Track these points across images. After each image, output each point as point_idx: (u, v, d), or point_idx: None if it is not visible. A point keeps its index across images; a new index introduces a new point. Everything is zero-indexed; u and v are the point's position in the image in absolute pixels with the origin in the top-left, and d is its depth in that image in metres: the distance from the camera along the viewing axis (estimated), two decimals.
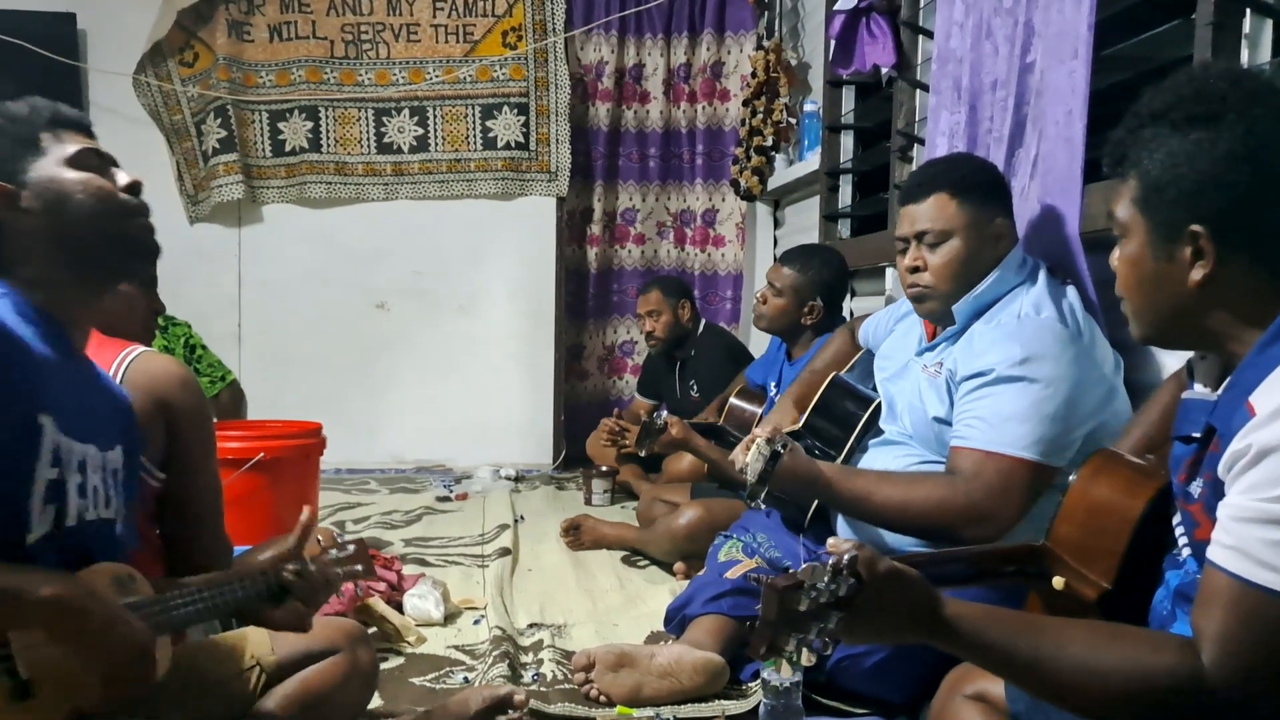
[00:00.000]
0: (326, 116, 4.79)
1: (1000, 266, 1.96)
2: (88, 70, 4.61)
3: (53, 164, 1.32)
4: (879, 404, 2.19)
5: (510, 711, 1.78)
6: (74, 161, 1.33)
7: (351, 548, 1.59)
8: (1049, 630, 1.07)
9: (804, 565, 1.03)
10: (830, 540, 1.11)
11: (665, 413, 2.93)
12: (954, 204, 1.96)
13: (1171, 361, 1.91)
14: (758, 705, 1.96)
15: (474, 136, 4.84)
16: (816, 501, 2.16)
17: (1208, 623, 0.99)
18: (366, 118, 4.81)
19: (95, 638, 1.13)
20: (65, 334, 1.33)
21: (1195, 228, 1.07)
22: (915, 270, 2.00)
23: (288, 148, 4.79)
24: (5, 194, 1.29)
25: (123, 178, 1.37)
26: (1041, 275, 1.97)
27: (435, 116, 4.83)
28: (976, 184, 1.98)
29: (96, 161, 1.36)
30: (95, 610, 1.14)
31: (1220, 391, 1.10)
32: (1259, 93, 1.07)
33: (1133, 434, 1.53)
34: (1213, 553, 1.01)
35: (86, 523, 1.29)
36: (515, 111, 4.82)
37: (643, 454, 3.02)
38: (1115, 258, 1.19)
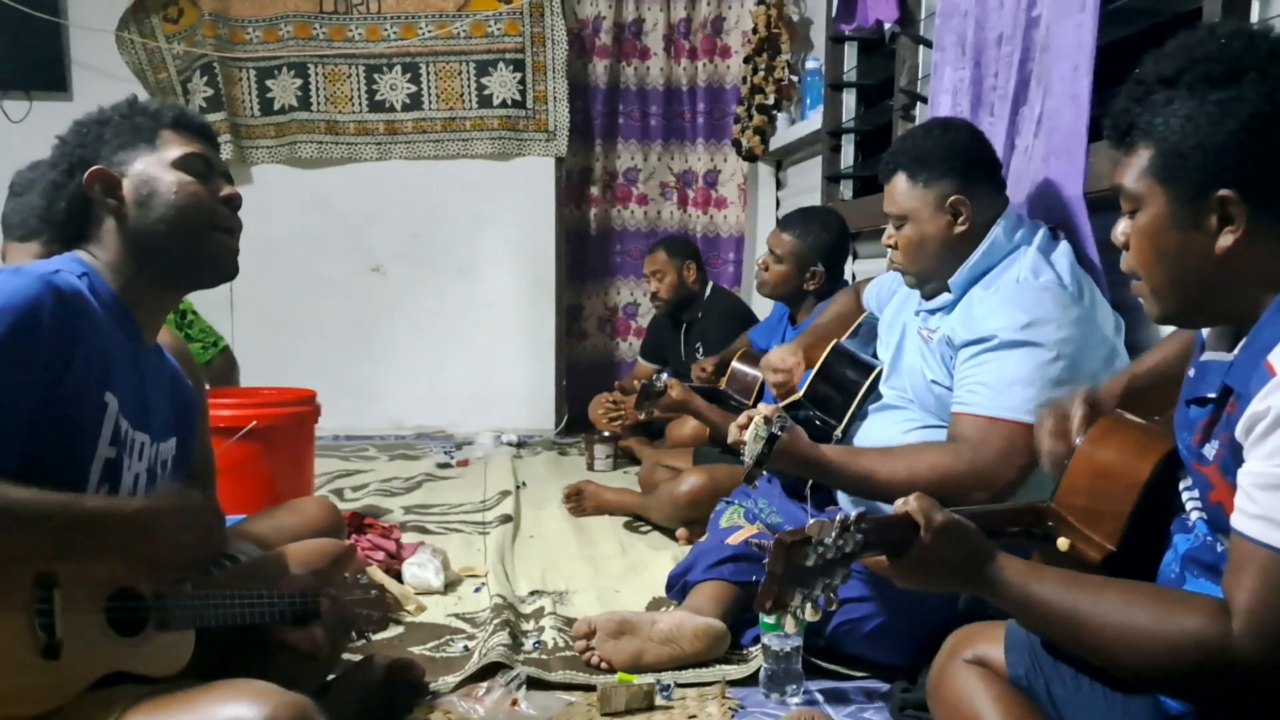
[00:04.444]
0: (316, 74, 4.72)
1: (992, 233, 1.94)
2: (69, 27, 4.53)
3: (157, 161, 1.38)
4: (880, 371, 2.17)
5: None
6: (179, 163, 1.39)
7: (375, 592, 1.61)
8: (1088, 587, 1.10)
9: (811, 521, 1.04)
10: (899, 500, 1.16)
11: (666, 375, 2.91)
12: (907, 185, 1.98)
13: None
14: (758, 670, 1.98)
15: (469, 94, 4.77)
16: None
17: (1239, 592, 0.99)
18: (357, 75, 4.73)
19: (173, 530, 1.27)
20: (135, 322, 1.38)
21: (1224, 192, 1.05)
22: (891, 248, 2.04)
23: (276, 106, 4.73)
24: (105, 177, 1.36)
25: (225, 190, 1.43)
26: (1038, 236, 1.95)
27: (428, 73, 4.75)
28: (933, 160, 1.95)
29: (202, 167, 1.41)
30: (168, 504, 1.29)
31: (1236, 352, 1.08)
32: (1275, 51, 1.05)
33: (1144, 363, 1.51)
34: (1238, 521, 1.00)
35: None
36: (511, 68, 4.75)
37: (643, 416, 3.01)
38: (1123, 232, 1.16)
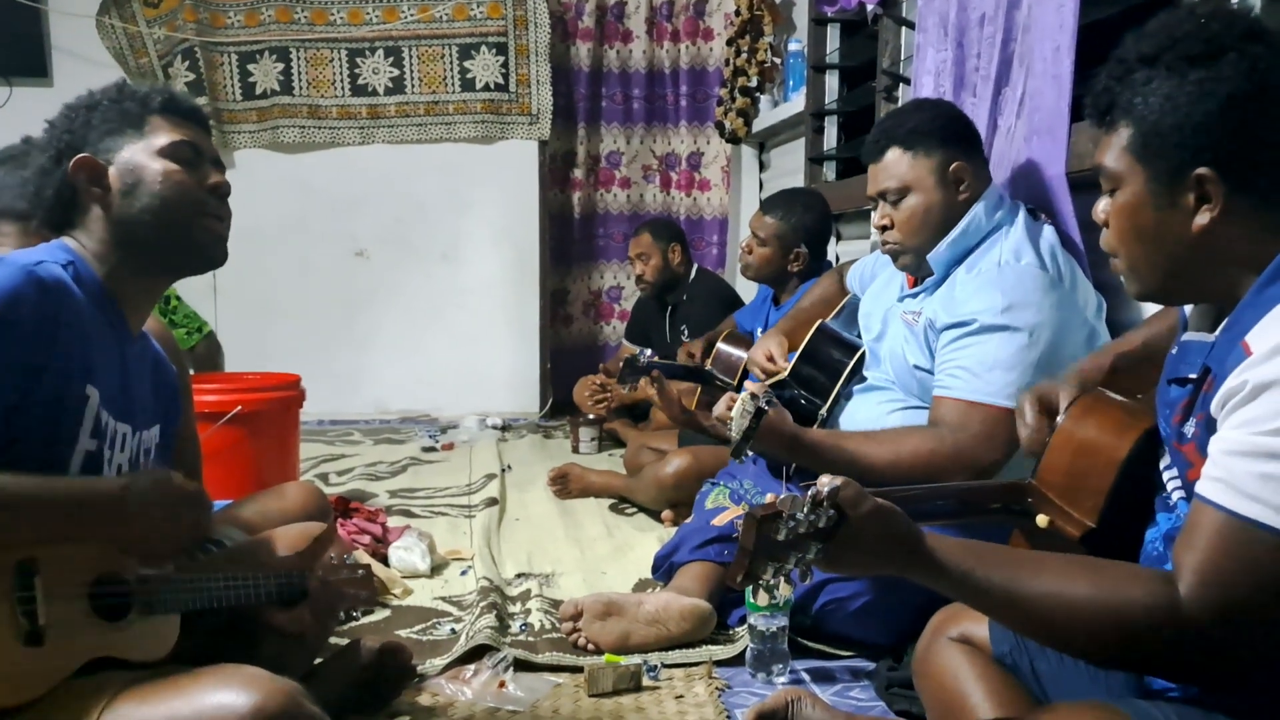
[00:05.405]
0: (298, 58, 4.68)
1: (973, 211, 1.94)
2: (48, 12, 4.49)
3: (144, 148, 1.36)
4: (864, 351, 2.18)
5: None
6: (166, 151, 1.37)
7: (361, 571, 1.60)
8: (1025, 563, 1.07)
9: (783, 496, 1.03)
10: (822, 477, 1.11)
11: (649, 351, 2.91)
12: (907, 157, 1.96)
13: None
14: (745, 650, 1.98)
15: (452, 78, 4.74)
16: None
17: (1188, 554, 0.98)
18: (339, 58, 4.70)
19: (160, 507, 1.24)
20: (121, 311, 1.37)
21: (1202, 171, 1.05)
22: (885, 229, 2.01)
23: (258, 90, 4.69)
24: (90, 166, 1.34)
25: (213, 177, 1.41)
26: (1020, 217, 1.95)
27: (411, 57, 4.72)
28: (928, 132, 1.95)
29: (190, 154, 1.39)
30: (154, 489, 1.24)
31: (1217, 333, 1.08)
32: (1255, 30, 1.05)
33: (1138, 334, 1.51)
34: (1200, 486, 1.00)
35: None
36: (494, 51, 4.73)
37: (625, 390, 3.01)
38: (1103, 210, 1.16)
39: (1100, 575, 1.03)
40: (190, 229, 1.38)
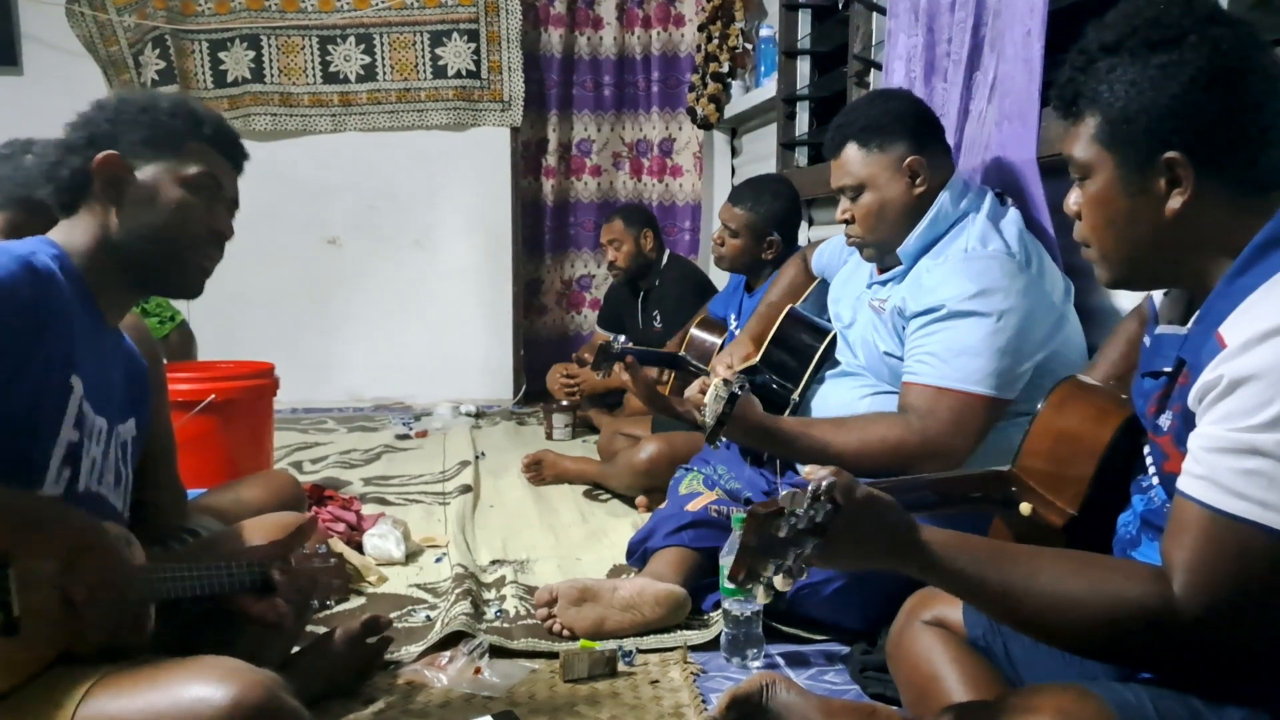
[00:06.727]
0: (269, 45, 4.64)
1: (939, 200, 1.95)
2: (18, 0, 4.42)
3: (170, 170, 1.38)
4: (835, 335, 2.19)
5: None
6: (189, 180, 1.39)
7: (334, 560, 1.60)
8: (1021, 558, 1.07)
9: (784, 492, 1.03)
10: (807, 467, 1.10)
11: (623, 338, 2.91)
12: (861, 154, 1.98)
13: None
14: (719, 635, 1.99)
15: (423, 65, 4.72)
16: None
17: (1178, 552, 0.99)
18: (310, 46, 4.66)
19: (103, 580, 1.20)
20: (99, 309, 1.38)
21: (1171, 155, 1.05)
22: (848, 222, 2.03)
23: (230, 78, 4.65)
24: (116, 166, 1.35)
25: (221, 221, 1.43)
26: (986, 202, 1.96)
27: (382, 44, 4.69)
28: (882, 126, 1.96)
29: (211, 189, 1.41)
30: (109, 554, 1.21)
31: (1190, 324, 1.09)
32: (1214, 14, 1.06)
33: (1096, 370, 1.53)
34: (1183, 483, 1.00)
35: (91, 493, 1.34)
36: (465, 38, 4.70)
37: (600, 376, 3.01)
38: (1074, 201, 1.16)
39: (1096, 572, 1.04)
40: (179, 261, 1.40)
